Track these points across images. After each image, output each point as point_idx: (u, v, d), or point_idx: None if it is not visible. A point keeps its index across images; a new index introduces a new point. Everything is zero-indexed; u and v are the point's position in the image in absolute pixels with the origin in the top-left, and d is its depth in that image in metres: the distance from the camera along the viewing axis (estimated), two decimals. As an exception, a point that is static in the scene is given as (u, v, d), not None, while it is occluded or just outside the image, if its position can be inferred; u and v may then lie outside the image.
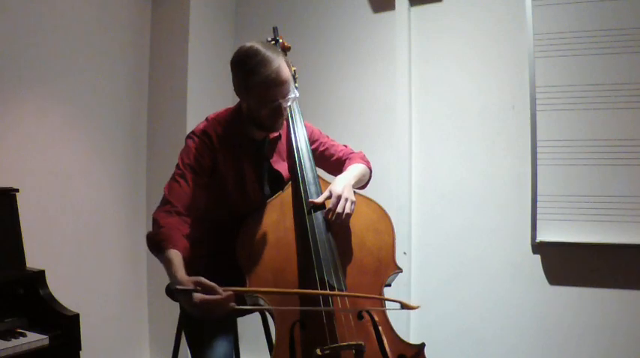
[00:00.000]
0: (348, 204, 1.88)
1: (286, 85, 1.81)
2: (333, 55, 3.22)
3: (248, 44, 1.83)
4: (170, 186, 1.82)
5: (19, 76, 2.64)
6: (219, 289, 1.52)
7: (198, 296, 1.50)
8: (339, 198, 1.87)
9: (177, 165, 1.87)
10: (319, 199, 1.92)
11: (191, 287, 1.51)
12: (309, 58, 3.20)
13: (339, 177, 2.00)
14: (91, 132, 3.01)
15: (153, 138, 3.32)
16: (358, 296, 1.82)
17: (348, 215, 1.88)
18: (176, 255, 1.63)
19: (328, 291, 1.78)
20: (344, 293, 1.81)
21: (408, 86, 2.98)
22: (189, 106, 3.18)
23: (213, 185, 1.92)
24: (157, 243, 1.68)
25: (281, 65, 1.79)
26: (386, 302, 1.85)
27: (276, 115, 1.85)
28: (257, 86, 1.78)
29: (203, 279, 1.53)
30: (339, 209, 1.86)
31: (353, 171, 2.04)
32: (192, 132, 1.92)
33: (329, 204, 1.89)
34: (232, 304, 1.54)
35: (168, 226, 1.70)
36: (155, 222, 1.74)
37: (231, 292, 1.53)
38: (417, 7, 3.00)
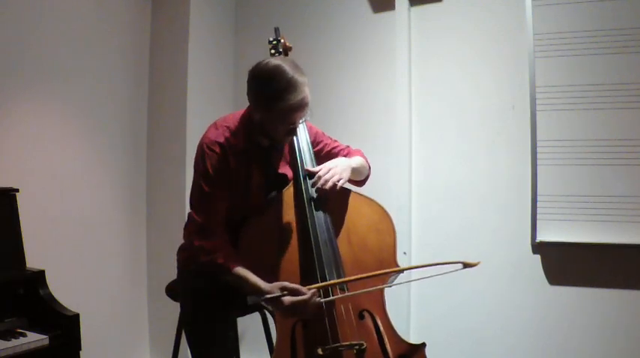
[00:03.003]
0: (336, 177, 1.91)
1: (307, 107, 1.84)
2: (333, 55, 3.22)
3: (273, 62, 1.82)
4: (199, 210, 1.87)
5: (19, 76, 2.64)
6: (304, 289, 1.67)
7: (287, 299, 1.65)
8: (329, 169, 1.93)
9: (199, 184, 1.88)
10: (314, 169, 1.96)
11: (278, 293, 1.66)
12: (309, 57, 3.19)
13: (339, 158, 2.04)
14: (91, 132, 3.01)
15: (153, 137, 3.31)
16: (372, 276, 1.82)
17: (332, 186, 1.90)
18: (244, 271, 1.76)
19: (345, 278, 1.83)
20: (356, 277, 1.82)
21: (408, 86, 2.98)
22: (189, 106, 3.18)
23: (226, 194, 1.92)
24: (218, 268, 1.79)
25: (306, 92, 1.81)
26: (447, 265, 1.84)
27: (291, 133, 1.90)
28: (281, 110, 1.79)
29: (287, 283, 1.68)
30: (327, 176, 1.90)
31: (354, 159, 2.08)
32: (206, 144, 1.90)
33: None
34: (319, 299, 1.70)
35: (219, 250, 1.80)
36: (202, 249, 1.82)
37: (314, 289, 1.68)
38: (417, 7, 3.00)
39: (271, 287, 1.70)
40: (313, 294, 1.68)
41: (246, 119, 1.94)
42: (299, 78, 1.79)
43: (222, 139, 1.89)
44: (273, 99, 1.78)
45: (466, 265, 1.81)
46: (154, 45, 3.31)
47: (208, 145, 1.89)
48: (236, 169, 1.91)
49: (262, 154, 1.98)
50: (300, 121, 1.88)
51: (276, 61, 1.83)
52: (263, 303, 1.73)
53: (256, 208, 1.95)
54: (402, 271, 1.98)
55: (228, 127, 1.93)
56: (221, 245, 1.81)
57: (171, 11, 3.26)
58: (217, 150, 1.88)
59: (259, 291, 1.71)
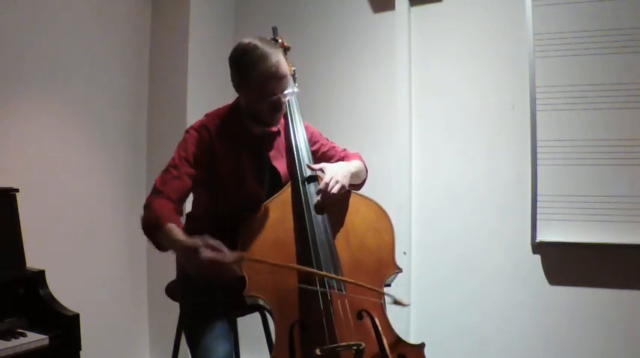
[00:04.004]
0: (337, 186, 1.90)
1: (285, 79, 1.83)
2: (333, 55, 3.22)
3: (246, 40, 1.85)
4: (162, 177, 1.85)
5: (19, 77, 2.64)
6: (225, 248, 1.53)
7: (205, 253, 1.50)
8: (331, 177, 1.91)
9: (173, 157, 1.89)
10: (315, 166, 1.97)
11: (199, 244, 1.51)
12: (309, 58, 3.20)
13: (339, 163, 2.04)
14: (91, 133, 3.01)
15: (153, 138, 3.32)
16: (351, 282, 1.80)
17: (334, 194, 1.90)
18: (175, 227, 1.66)
19: (326, 273, 1.80)
20: (342, 278, 1.81)
21: (408, 86, 2.98)
22: (189, 106, 3.18)
23: (213, 180, 1.93)
24: (153, 221, 1.69)
25: (280, 60, 1.81)
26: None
27: (275, 110, 1.88)
28: (256, 80, 1.81)
29: (209, 238, 1.54)
30: (328, 188, 1.89)
31: (352, 163, 2.07)
32: (191, 127, 1.95)
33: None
34: (237, 269, 1.59)
35: (162, 208, 1.73)
36: (148, 205, 1.77)
37: (237, 254, 1.56)
38: (417, 7, 3.00)
39: (193, 240, 1.55)
40: (235, 258, 1.54)
41: (234, 107, 1.98)
42: (270, 49, 1.81)
43: (209, 125, 1.92)
44: (247, 70, 1.81)
45: (396, 302, 1.74)
46: (154, 45, 3.32)
47: (193, 127, 1.93)
48: (224, 153, 1.91)
49: (253, 142, 1.98)
50: (283, 95, 1.85)
51: (248, 39, 1.86)
52: (182, 255, 1.59)
53: (253, 198, 1.95)
54: (400, 268, 1.97)
55: (217, 115, 1.96)
56: (165, 205, 1.75)
57: (171, 11, 3.26)
58: (202, 131, 1.91)
59: (178, 243, 1.59)
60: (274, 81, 1.81)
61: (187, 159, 1.86)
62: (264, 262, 1.69)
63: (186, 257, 1.56)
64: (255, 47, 1.81)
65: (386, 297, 1.80)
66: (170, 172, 1.85)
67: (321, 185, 1.92)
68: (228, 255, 1.54)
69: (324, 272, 1.80)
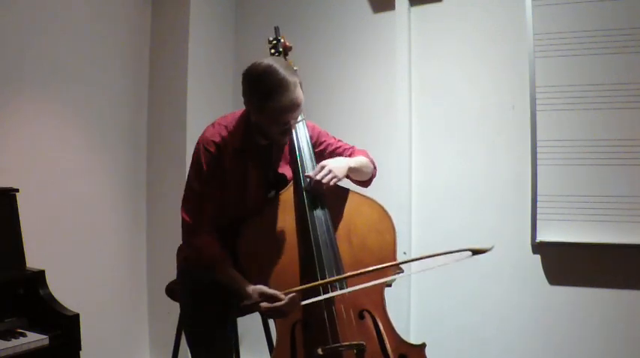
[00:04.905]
0: (330, 175, 1.89)
1: (300, 108, 1.83)
2: (334, 55, 3.22)
3: (265, 62, 1.81)
4: (188, 208, 1.88)
5: (19, 77, 2.64)
6: (281, 295, 1.69)
7: (264, 305, 1.70)
8: (322, 167, 1.91)
9: (190, 184, 1.90)
10: (313, 173, 1.94)
11: (256, 299, 1.70)
12: (310, 58, 3.20)
13: (339, 158, 2.02)
14: (91, 133, 3.01)
15: (153, 138, 3.32)
16: (373, 270, 1.79)
17: (321, 183, 1.88)
18: (231, 271, 1.80)
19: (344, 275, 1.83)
20: (356, 272, 1.79)
21: (408, 86, 2.98)
22: (189, 106, 3.18)
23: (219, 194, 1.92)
24: (208, 263, 1.82)
25: (297, 92, 1.79)
26: (456, 253, 1.82)
27: (285, 133, 1.88)
28: (272, 110, 1.79)
29: (265, 289, 1.71)
30: (318, 177, 1.88)
31: (355, 158, 2.06)
32: (201, 142, 1.92)
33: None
34: (300, 302, 1.72)
35: (209, 247, 1.83)
36: (192, 246, 1.88)
37: (294, 294, 1.70)
38: (417, 7, 3.00)
39: (252, 292, 1.72)
40: (292, 299, 1.69)
41: (245, 118, 1.95)
42: (290, 78, 1.77)
43: (218, 138, 1.90)
44: (263, 99, 1.78)
45: (475, 251, 1.76)
46: (154, 45, 3.31)
47: (204, 144, 1.90)
48: (232, 168, 1.90)
49: (261, 153, 1.97)
50: (294, 121, 1.86)
51: (268, 61, 1.82)
52: (244, 308, 1.77)
53: (255, 208, 1.94)
54: (401, 268, 1.98)
55: (225, 126, 1.93)
56: (209, 243, 1.83)
57: (171, 11, 3.26)
58: (212, 149, 1.88)
59: (240, 295, 1.75)
60: (290, 112, 1.80)
61: (207, 183, 1.87)
62: (315, 285, 1.78)
63: (247, 308, 1.77)
64: (275, 73, 1.77)
65: (461, 254, 1.79)
66: (195, 202, 1.88)
67: (311, 173, 1.91)
68: (284, 301, 1.70)
69: (341, 276, 1.81)
